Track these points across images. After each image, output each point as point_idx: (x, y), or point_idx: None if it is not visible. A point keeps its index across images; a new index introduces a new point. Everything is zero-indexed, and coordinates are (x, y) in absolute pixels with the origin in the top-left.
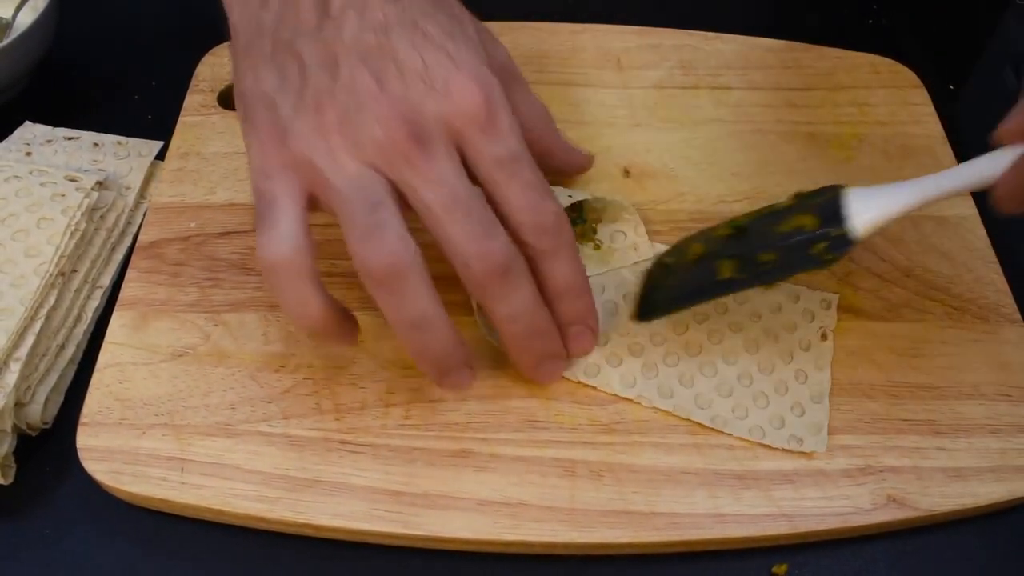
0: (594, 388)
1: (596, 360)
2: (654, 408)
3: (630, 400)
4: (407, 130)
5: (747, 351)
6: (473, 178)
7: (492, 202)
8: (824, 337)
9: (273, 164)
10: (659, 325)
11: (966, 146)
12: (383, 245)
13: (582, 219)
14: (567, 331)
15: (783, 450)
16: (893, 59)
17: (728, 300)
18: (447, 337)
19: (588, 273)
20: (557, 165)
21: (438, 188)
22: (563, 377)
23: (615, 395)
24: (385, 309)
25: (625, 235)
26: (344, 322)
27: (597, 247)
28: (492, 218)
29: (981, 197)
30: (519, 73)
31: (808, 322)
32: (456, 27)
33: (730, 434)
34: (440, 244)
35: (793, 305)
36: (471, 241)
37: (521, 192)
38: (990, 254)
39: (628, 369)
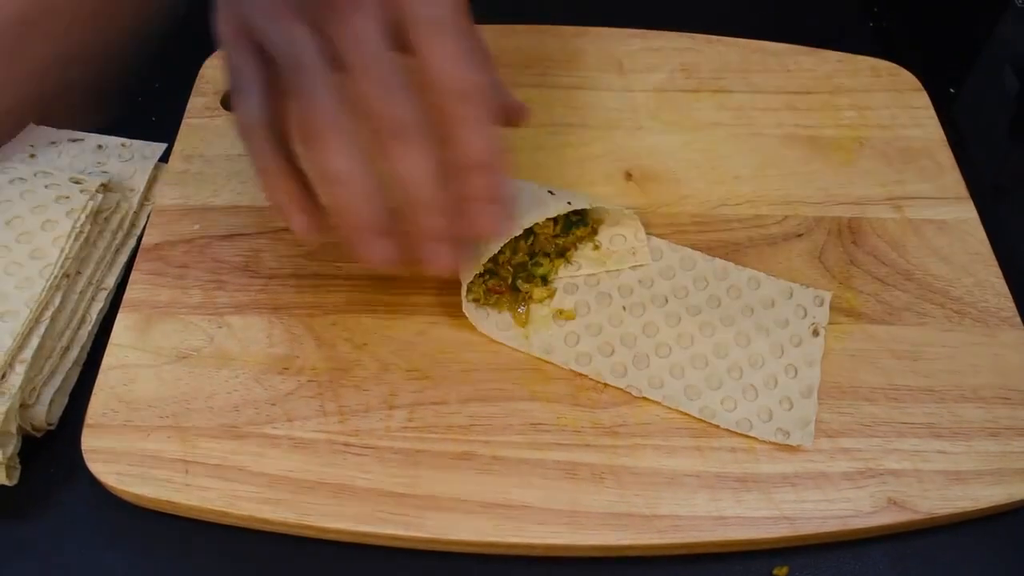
0: (590, 380)
1: (588, 349)
2: (644, 399)
3: (632, 402)
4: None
5: (738, 344)
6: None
7: (421, 68)
8: (816, 333)
9: (228, 31)
10: (652, 316)
11: (966, 148)
12: (308, 104)
13: (584, 222)
14: (474, 203)
15: (780, 448)
16: (893, 62)
17: (721, 294)
18: (363, 193)
19: (585, 272)
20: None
21: (357, 46)
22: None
23: (606, 384)
24: (314, 166)
25: (624, 238)
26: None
27: (596, 247)
28: (399, 80)
29: (981, 200)
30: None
31: (800, 318)
32: None
33: (717, 426)
34: (354, 94)
35: (786, 301)
36: (382, 100)
37: (443, 55)
38: (990, 257)
39: (619, 359)
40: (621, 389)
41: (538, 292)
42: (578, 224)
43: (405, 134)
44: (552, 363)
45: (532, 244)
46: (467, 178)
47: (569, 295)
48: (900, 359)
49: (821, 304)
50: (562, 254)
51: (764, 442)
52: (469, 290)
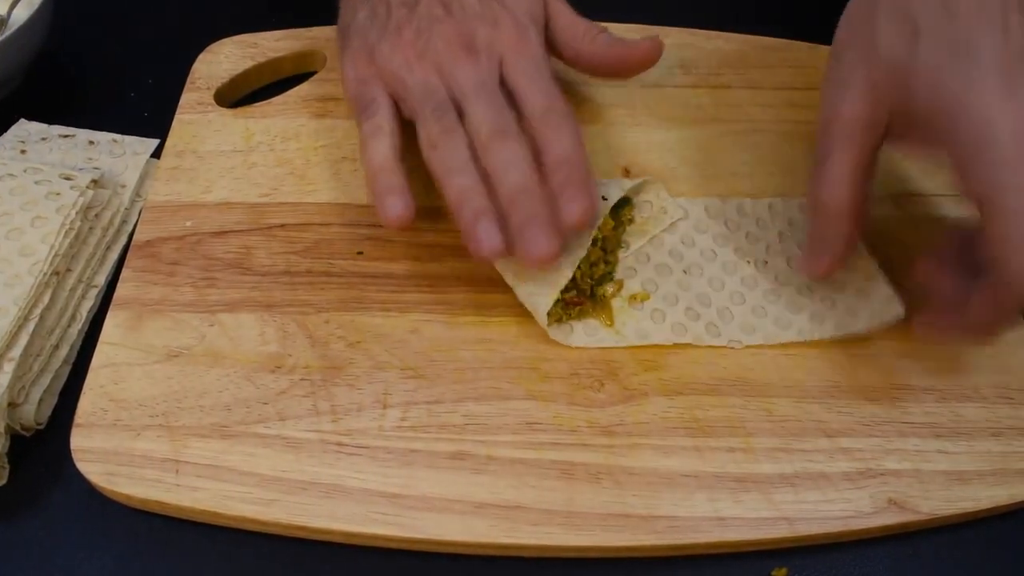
0: (587, 379)
1: (678, 320)
2: (641, 398)
3: (629, 401)
4: (461, 44)
5: (791, 267)
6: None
7: (519, 99)
8: None
9: (365, 75)
10: (712, 271)
11: None
12: (451, 142)
13: (623, 203)
14: (561, 195)
15: (779, 448)
16: None
17: (753, 229)
18: (474, 182)
19: (634, 248)
20: (591, 62)
21: (474, 83)
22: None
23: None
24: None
25: (651, 204)
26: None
27: (632, 221)
28: (504, 104)
29: None
30: (568, 9)
31: None
32: None
33: (821, 339)
34: (466, 122)
35: (803, 214)
36: (485, 115)
37: (535, 88)
38: None
39: (708, 319)
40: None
41: (612, 288)
42: (620, 207)
43: (504, 135)
44: (649, 346)
45: (602, 246)
46: (556, 174)
47: (630, 279)
48: (901, 358)
49: None
50: (619, 244)
51: (763, 443)
52: (548, 314)
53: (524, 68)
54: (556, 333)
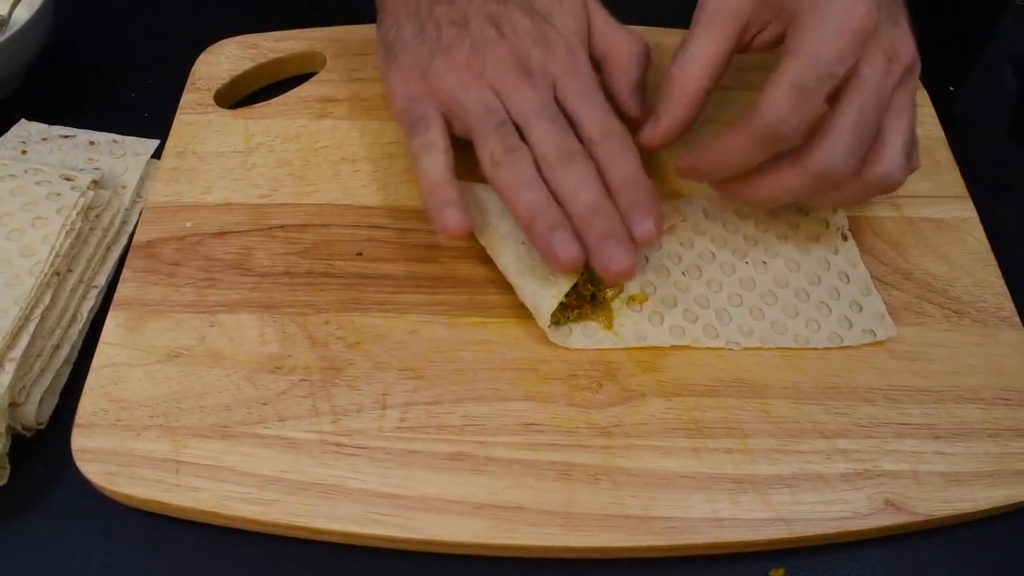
0: (584, 380)
1: (676, 322)
2: (640, 399)
3: (627, 402)
4: (517, 66)
5: (791, 270)
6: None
7: (573, 123)
8: (845, 237)
9: (416, 92)
10: (710, 272)
11: (966, 147)
12: (516, 161)
13: None
14: (631, 214)
15: (777, 449)
16: None
17: (752, 232)
18: (545, 196)
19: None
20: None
21: (535, 105)
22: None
23: (601, 384)
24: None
25: None
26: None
27: None
28: (566, 125)
29: (982, 200)
30: (608, 18)
31: (825, 228)
32: (556, 4)
33: (816, 348)
34: (530, 142)
35: (806, 219)
36: (551, 137)
37: (592, 111)
38: (989, 257)
39: (706, 321)
40: (717, 347)
41: (611, 291)
42: None
43: (572, 156)
44: (648, 347)
45: None
46: (622, 196)
47: (629, 280)
48: (898, 359)
49: (836, 210)
50: None
51: (761, 444)
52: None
53: (578, 90)
54: (555, 335)
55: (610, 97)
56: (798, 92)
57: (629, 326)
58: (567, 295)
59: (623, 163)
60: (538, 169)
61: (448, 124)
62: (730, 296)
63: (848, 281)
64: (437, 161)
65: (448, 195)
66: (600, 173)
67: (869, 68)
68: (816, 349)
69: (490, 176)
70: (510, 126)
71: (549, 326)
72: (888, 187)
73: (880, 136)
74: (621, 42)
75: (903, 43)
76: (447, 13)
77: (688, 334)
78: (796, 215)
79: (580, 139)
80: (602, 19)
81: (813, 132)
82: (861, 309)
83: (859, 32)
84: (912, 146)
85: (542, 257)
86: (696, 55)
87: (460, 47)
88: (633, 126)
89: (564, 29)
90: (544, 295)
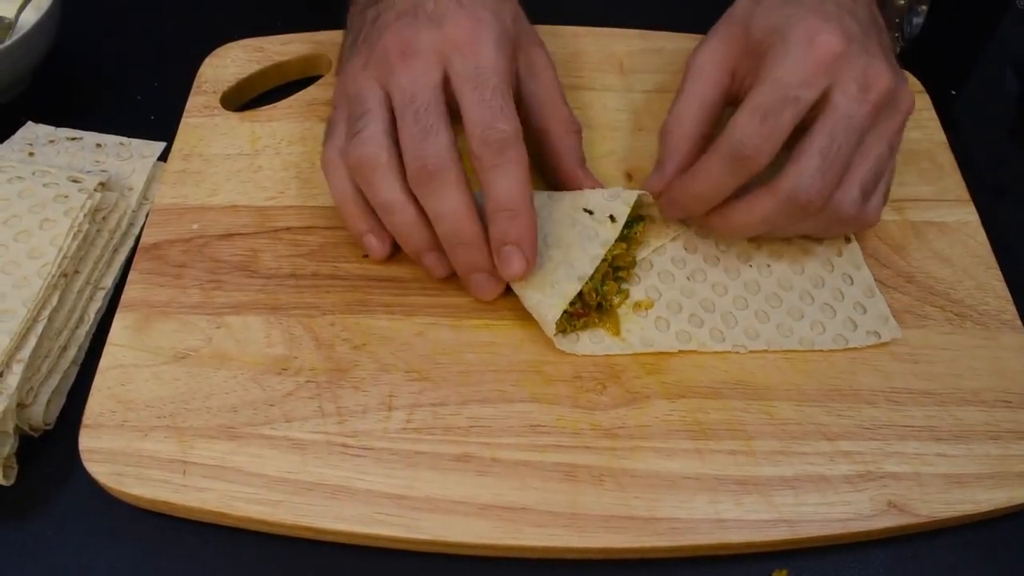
0: (589, 382)
1: (682, 327)
2: (644, 401)
3: (631, 404)
4: (397, 51)
5: (795, 273)
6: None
7: (462, 118)
8: (847, 240)
9: (335, 96)
10: (715, 276)
11: (967, 150)
12: (357, 145)
13: (635, 220)
14: (499, 251)
15: (779, 451)
16: None
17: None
18: (410, 217)
19: (640, 256)
20: (544, 125)
21: (403, 91)
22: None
23: (605, 386)
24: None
25: (654, 217)
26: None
27: (639, 242)
28: (437, 124)
29: (983, 203)
30: (533, 36)
31: None
32: None
33: (821, 350)
34: (400, 144)
35: None
36: (412, 141)
37: (477, 106)
38: (991, 260)
39: (712, 325)
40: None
41: (617, 299)
42: (631, 224)
43: (440, 175)
44: (655, 354)
45: (612, 262)
46: (493, 223)
47: (634, 286)
48: (900, 362)
49: None
50: (633, 262)
51: (764, 446)
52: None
53: (464, 72)
54: (562, 343)
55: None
56: (761, 114)
57: (636, 332)
58: (572, 304)
59: (499, 182)
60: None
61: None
62: (735, 299)
63: (852, 283)
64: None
65: (358, 227)
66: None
67: (840, 95)
68: (819, 351)
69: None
70: (377, 126)
71: (556, 334)
72: (845, 221)
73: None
74: (559, 113)
75: (877, 74)
76: (370, 15)
77: (695, 339)
78: None
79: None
80: (546, 76)
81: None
82: (865, 311)
83: (823, 59)
84: (872, 187)
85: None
86: (689, 105)
87: (364, 42)
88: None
89: (475, 4)
90: (548, 304)
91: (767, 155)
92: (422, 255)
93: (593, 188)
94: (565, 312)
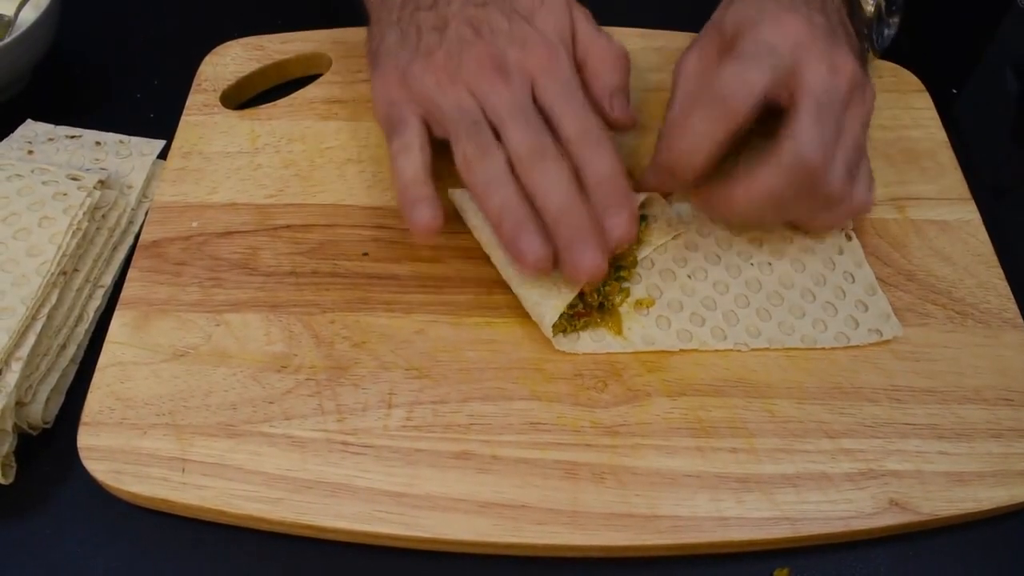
0: (590, 379)
1: (683, 326)
2: (645, 399)
3: (632, 401)
4: (492, 65)
5: (796, 271)
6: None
7: (551, 123)
8: (849, 238)
9: (396, 97)
10: (716, 275)
11: (968, 149)
12: (487, 159)
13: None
14: (604, 212)
15: (781, 449)
16: (895, 63)
17: (757, 233)
18: (516, 195)
19: (642, 255)
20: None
21: (509, 105)
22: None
23: (606, 384)
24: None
25: (656, 216)
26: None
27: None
28: (542, 125)
29: (984, 202)
30: (590, 24)
31: None
32: (538, 5)
33: (822, 348)
34: (504, 142)
35: None
36: (524, 136)
37: (569, 110)
38: (993, 259)
39: (713, 323)
40: (725, 350)
41: (619, 298)
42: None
43: (544, 155)
44: (656, 352)
45: (614, 261)
46: (597, 192)
47: (635, 284)
48: (902, 360)
49: None
50: (634, 262)
51: (766, 444)
52: (553, 325)
53: (556, 90)
54: (562, 343)
55: (593, 102)
56: (739, 58)
57: (637, 330)
58: (573, 304)
59: (598, 161)
60: (513, 169)
61: (428, 128)
62: (736, 297)
63: (853, 281)
64: (412, 161)
65: (419, 193)
66: (576, 172)
67: (812, 73)
68: (821, 349)
69: (464, 177)
70: (484, 125)
71: (555, 335)
72: (833, 200)
73: None
74: (602, 47)
75: (843, 60)
76: (427, 19)
77: (696, 338)
78: None
79: (559, 139)
80: (584, 24)
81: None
82: (867, 309)
83: (792, 35)
84: (856, 166)
85: (511, 257)
86: (680, 111)
87: (438, 50)
88: (615, 128)
89: (545, 29)
90: (547, 306)
91: (748, 99)
92: (520, 231)
93: (622, 119)
94: (566, 313)
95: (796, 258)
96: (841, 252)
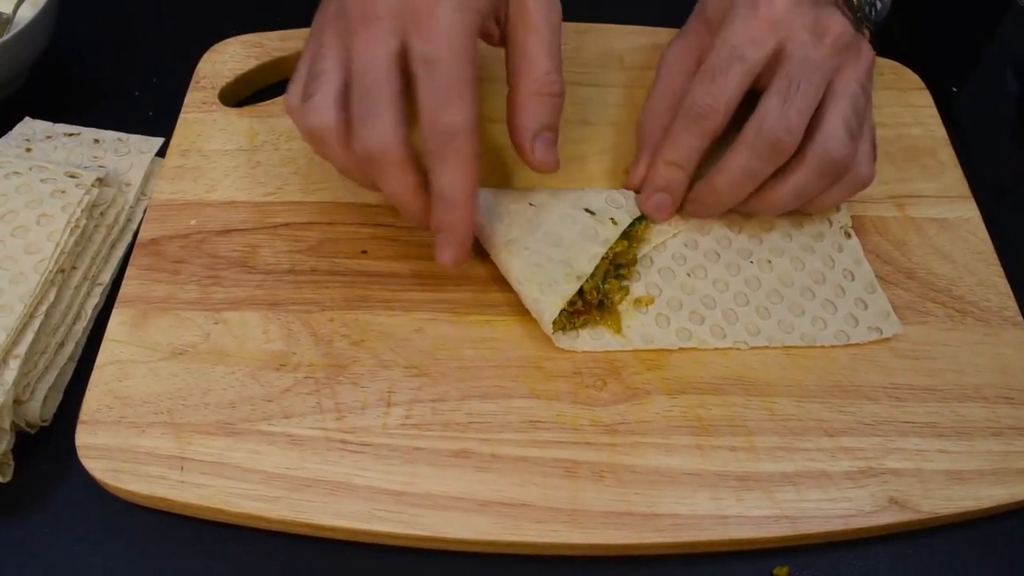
0: (589, 377)
1: (683, 324)
2: (644, 397)
3: (632, 400)
4: (358, 14)
5: (796, 269)
6: None
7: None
8: (848, 235)
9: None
10: (716, 272)
11: (968, 147)
12: (309, 112)
13: (639, 219)
14: (437, 235)
15: (781, 447)
16: (896, 61)
17: (757, 231)
18: (370, 184)
19: (641, 253)
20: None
21: (357, 62)
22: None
23: (606, 382)
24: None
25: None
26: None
27: (644, 240)
28: (380, 106)
29: (984, 200)
30: (544, 29)
31: (829, 227)
32: None
33: (822, 346)
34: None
35: (810, 217)
36: (356, 122)
37: (428, 92)
38: (992, 257)
39: (713, 322)
40: (721, 348)
41: (618, 296)
42: (634, 224)
43: (380, 159)
44: (655, 349)
45: (613, 259)
46: (433, 210)
47: (635, 282)
48: (902, 358)
49: (838, 209)
50: (634, 260)
51: (765, 442)
52: (554, 323)
53: (419, 52)
54: (561, 340)
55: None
56: (709, 74)
57: (636, 328)
58: (573, 302)
59: (445, 174)
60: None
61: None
62: (736, 296)
63: (853, 279)
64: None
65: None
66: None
67: (793, 46)
68: (821, 347)
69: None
70: (328, 76)
71: (555, 332)
72: (834, 167)
73: (819, 113)
74: (535, 55)
75: (830, 20)
76: None
77: (695, 336)
78: (800, 214)
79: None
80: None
81: None
82: (867, 307)
83: (769, 17)
84: (857, 127)
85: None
86: (661, 97)
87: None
88: (533, 169)
89: None
90: (546, 302)
91: (720, 114)
92: (407, 205)
93: (545, 164)
94: (565, 310)
95: (796, 256)
96: (841, 250)
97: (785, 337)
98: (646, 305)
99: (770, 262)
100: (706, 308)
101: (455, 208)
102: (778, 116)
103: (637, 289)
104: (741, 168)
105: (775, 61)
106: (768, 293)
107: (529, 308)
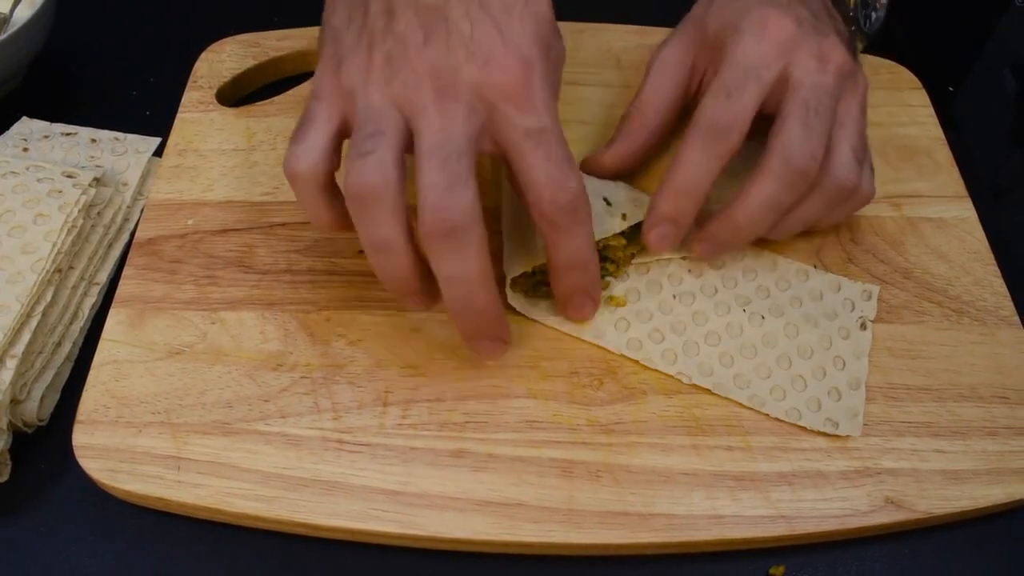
0: (586, 377)
1: (638, 335)
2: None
3: (628, 400)
4: (433, 86)
5: (787, 335)
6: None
7: (515, 173)
8: (863, 327)
9: (325, 88)
10: (702, 305)
11: (965, 147)
12: (364, 169)
13: (636, 240)
14: (569, 300)
15: (777, 447)
16: (892, 60)
17: (770, 285)
18: (403, 264)
19: (639, 261)
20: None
21: (435, 133)
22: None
23: (602, 382)
24: (356, 228)
25: None
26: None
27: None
28: (466, 177)
29: (981, 200)
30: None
31: (848, 311)
32: (520, 4)
33: (767, 415)
34: (417, 188)
35: (834, 294)
36: (434, 190)
37: (543, 164)
38: (989, 256)
39: (670, 345)
40: (671, 375)
41: None
42: (638, 227)
43: (462, 234)
44: (608, 349)
45: (603, 250)
46: (563, 277)
47: (621, 281)
48: (898, 357)
49: (869, 298)
50: (628, 261)
51: (762, 442)
52: (515, 283)
53: (524, 127)
54: (516, 300)
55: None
56: (725, 92)
57: (593, 320)
58: (543, 272)
59: (574, 243)
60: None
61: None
62: (708, 334)
63: (843, 368)
64: (304, 151)
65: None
66: (546, 245)
67: (800, 71)
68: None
69: (349, 206)
70: (387, 138)
71: (516, 292)
72: (845, 194)
73: (828, 144)
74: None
75: (832, 49)
76: (376, 5)
77: (644, 350)
78: (828, 287)
79: (525, 198)
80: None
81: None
82: (840, 398)
83: (778, 40)
84: (863, 153)
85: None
86: (650, 95)
87: (379, 47)
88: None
89: (522, 37)
90: (513, 262)
91: (739, 133)
92: (405, 296)
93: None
94: (533, 276)
95: (793, 323)
96: (846, 337)
97: (734, 391)
98: (616, 305)
99: (763, 318)
100: (672, 332)
101: (588, 269)
102: (802, 143)
103: (616, 288)
104: (767, 200)
105: (781, 86)
106: (743, 345)
107: (503, 263)
